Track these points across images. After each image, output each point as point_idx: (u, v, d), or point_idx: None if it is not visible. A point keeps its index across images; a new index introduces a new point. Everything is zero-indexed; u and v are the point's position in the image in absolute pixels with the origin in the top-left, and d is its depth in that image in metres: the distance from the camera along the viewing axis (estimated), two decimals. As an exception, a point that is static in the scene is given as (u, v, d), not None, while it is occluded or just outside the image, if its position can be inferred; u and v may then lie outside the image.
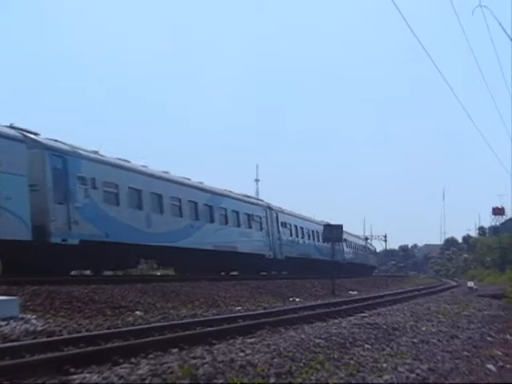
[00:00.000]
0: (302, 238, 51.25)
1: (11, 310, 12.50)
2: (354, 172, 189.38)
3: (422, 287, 41.24)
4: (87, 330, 11.98)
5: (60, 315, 13.98)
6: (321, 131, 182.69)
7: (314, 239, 53.29)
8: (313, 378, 8.03)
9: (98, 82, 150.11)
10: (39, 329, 11.80)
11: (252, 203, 43.13)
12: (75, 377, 7.46)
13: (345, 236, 62.97)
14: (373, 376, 8.45)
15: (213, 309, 18.34)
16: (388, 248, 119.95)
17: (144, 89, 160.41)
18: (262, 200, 47.56)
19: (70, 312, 14.54)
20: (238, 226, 39.28)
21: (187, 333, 11.79)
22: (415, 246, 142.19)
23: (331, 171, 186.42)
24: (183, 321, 14.16)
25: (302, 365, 8.83)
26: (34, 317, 12.88)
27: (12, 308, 12.61)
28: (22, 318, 12.44)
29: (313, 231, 52.85)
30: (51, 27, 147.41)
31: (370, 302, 23.59)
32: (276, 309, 18.69)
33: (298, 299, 24.98)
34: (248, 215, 41.01)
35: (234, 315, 15.96)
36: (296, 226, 49.95)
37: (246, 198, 42.70)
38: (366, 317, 16.85)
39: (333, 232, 32.71)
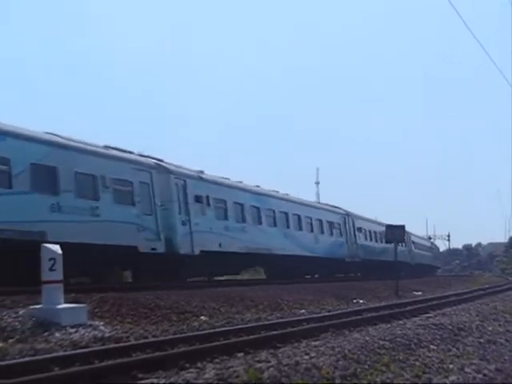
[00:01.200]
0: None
1: (80, 317, 12.76)
2: (415, 171, 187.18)
3: (487, 286, 40.55)
4: (154, 336, 12.15)
5: (127, 321, 14.21)
6: (381, 133, 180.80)
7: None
8: (378, 379, 8.04)
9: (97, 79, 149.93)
10: (107, 335, 12.03)
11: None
12: (143, 382, 7.63)
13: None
14: (439, 377, 8.41)
15: (277, 312, 18.38)
16: (451, 247, 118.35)
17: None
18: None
19: (137, 318, 14.76)
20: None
21: (252, 337, 11.85)
22: (479, 244, 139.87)
23: (392, 171, 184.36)
24: (248, 325, 14.23)
25: (366, 367, 8.84)
26: (101, 323, 13.12)
27: (80, 315, 12.87)
28: (90, 325, 12.69)
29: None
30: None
31: (434, 302, 23.35)
32: (339, 311, 18.65)
33: (361, 301, 24.86)
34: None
35: (297, 318, 15.98)
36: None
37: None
38: (430, 317, 16.72)
39: (395, 233, 32.47)
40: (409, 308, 19.76)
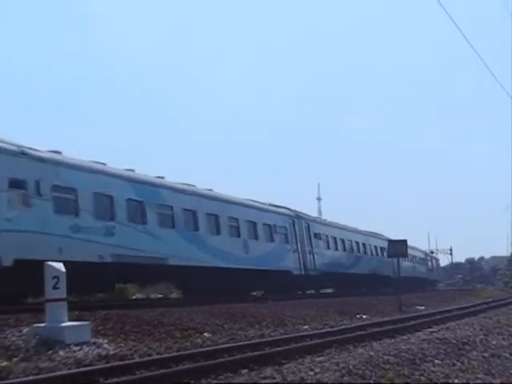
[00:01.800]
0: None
1: (83, 335, 12.76)
2: (417, 185, 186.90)
3: (490, 300, 40.47)
4: (158, 353, 12.14)
5: (130, 339, 14.19)
6: (379, 143, 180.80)
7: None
8: (383, 395, 8.03)
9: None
10: (111, 353, 12.01)
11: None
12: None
13: None
14: (444, 392, 8.40)
15: (280, 328, 18.35)
16: (454, 261, 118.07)
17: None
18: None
19: (140, 335, 14.74)
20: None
21: (256, 353, 11.84)
22: (482, 258, 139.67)
23: (393, 185, 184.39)
24: (251, 341, 14.23)
25: (372, 382, 8.84)
26: (105, 341, 13.11)
27: (84, 333, 12.87)
28: (94, 343, 12.68)
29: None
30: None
31: (437, 316, 23.32)
32: (343, 326, 18.62)
33: (364, 316, 24.82)
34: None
35: (301, 334, 15.96)
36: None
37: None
38: (434, 332, 16.70)
39: (397, 247, 32.51)
40: (412, 323, 19.74)
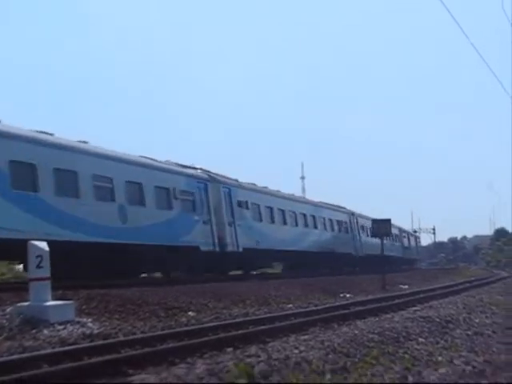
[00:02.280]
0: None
1: (67, 314, 12.72)
2: (400, 165, 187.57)
3: (473, 279, 40.84)
4: (142, 332, 12.12)
5: (115, 318, 14.16)
6: (365, 129, 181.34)
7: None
8: (368, 373, 8.04)
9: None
10: (95, 332, 11.98)
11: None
12: (134, 378, 7.58)
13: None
14: (428, 369, 8.42)
15: (264, 307, 18.38)
16: (437, 240, 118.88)
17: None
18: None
19: (125, 315, 14.71)
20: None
21: (241, 332, 11.84)
22: (465, 237, 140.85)
23: (377, 164, 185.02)
24: (236, 320, 14.23)
25: (356, 360, 8.85)
26: (89, 320, 13.08)
27: (68, 312, 12.83)
28: (78, 322, 12.65)
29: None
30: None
31: (421, 295, 23.45)
32: (327, 305, 18.68)
33: (348, 295, 24.93)
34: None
35: (285, 313, 15.98)
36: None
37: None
38: (418, 310, 16.78)
39: (381, 227, 32.59)
40: (396, 301, 19.83)
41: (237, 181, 35.27)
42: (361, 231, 54.95)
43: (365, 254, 52.88)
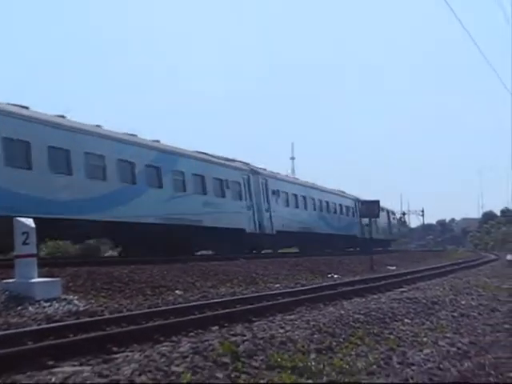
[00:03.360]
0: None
1: (53, 291, 12.70)
2: (390, 147, 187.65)
3: (460, 261, 40.96)
4: (128, 310, 12.13)
5: (101, 296, 14.16)
6: (357, 105, 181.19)
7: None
8: (353, 353, 8.05)
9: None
10: (81, 309, 12.00)
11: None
12: (118, 355, 7.57)
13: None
14: (413, 350, 8.45)
15: (251, 287, 18.42)
16: (426, 223, 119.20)
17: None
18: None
19: (111, 292, 14.72)
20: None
21: (227, 311, 11.84)
22: (453, 220, 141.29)
23: (367, 147, 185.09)
24: (223, 299, 14.24)
25: (341, 340, 8.86)
26: (75, 297, 13.06)
27: (54, 289, 12.81)
28: (64, 299, 12.64)
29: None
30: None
31: (408, 276, 23.52)
32: (314, 285, 18.70)
33: (336, 275, 24.98)
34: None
35: (272, 292, 16.01)
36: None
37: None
38: (405, 292, 16.83)
39: (370, 208, 32.67)
40: (383, 282, 19.87)
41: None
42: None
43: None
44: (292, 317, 11.18)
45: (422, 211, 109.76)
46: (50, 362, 7.15)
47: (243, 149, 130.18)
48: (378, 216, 36.99)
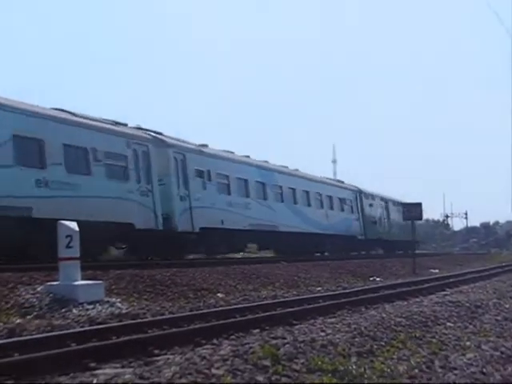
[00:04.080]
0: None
1: (97, 294, 12.84)
2: (433, 149, 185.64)
3: (504, 264, 40.41)
4: (170, 313, 12.22)
5: (143, 298, 14.28)
6: (398, 108, 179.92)
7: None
8: (395, 356, 8.00)
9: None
10: (124, 312, 12.12)
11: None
12: (159, 358, 7.63)
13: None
14: (456, 354, 8.37)
15: (293, 290, 18.42)
16: (469, 225, 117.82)
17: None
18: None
19: (153, 295, 14.82)
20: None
21: (268, 313, 11.87)
22: (497, 222, 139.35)
23: (410, 148, 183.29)
24: (264, 302, 14.27)
25: (383, 344, 8.81)
26: (118, 300, 13.20)
27: (98, 292, 12.95)
28: (107, 302, 12.77)
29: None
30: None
31: (451, 279, 23.29)
32: (356, 288, 18.64)
33: (378, 278, 24.85)
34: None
35: (314, 296, 16.00)
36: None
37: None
38: (447, 295, 16.67)
39: (412, 210, 32.43)
40: (426, 285, 19.72)
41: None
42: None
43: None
44: (333, 320, 11.16)
45: (466, 214, 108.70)
46: (93, 364, 7.22)
47: (284, 151, 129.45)
48: (420, 218, 36.41)
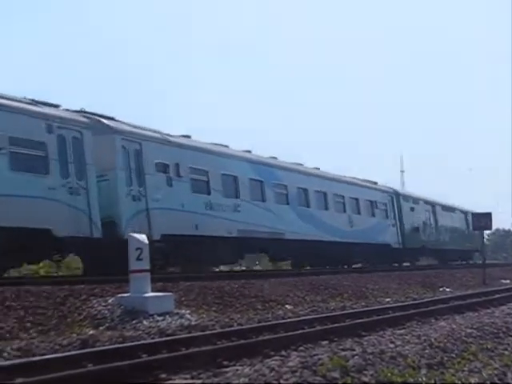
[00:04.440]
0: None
1: (167, 306, 13.01)
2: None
3: None
4: (239, 324, 12.27)
5: (212, 310, 14.41)
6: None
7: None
8: (466, 368, 7.92)
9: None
10: (193, 323, 12.24)
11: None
12: (228, 369, 7.69)
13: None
14: (529, 367, 8.23)
15: (361, 301, 18.32)
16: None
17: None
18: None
19: (222, 307, 14.94)
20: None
21: (336, 325, 11.83)
22: None
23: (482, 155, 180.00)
24: (332, 313, 14.23)
25: (454, 356, 8.72)
26: (187, 312, 13.33)
27: (167, 303, 13.12)
28: (177, 313, 12.92)
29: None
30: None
31: (523, 290, 22.83)
32: (425, 299, 18.43)
33: (447, 289, 24.53)
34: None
35: (383, 307, 15.88)
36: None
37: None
38: (519, 306, 16.37)
39: (481, 220, 31.93)
40: (497, 296, 19.37)
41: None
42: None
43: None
44: (402, 331, 11.07)
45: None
46: (163, 375, 7.34)
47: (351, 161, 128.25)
48: (490, 228, 35.59)
